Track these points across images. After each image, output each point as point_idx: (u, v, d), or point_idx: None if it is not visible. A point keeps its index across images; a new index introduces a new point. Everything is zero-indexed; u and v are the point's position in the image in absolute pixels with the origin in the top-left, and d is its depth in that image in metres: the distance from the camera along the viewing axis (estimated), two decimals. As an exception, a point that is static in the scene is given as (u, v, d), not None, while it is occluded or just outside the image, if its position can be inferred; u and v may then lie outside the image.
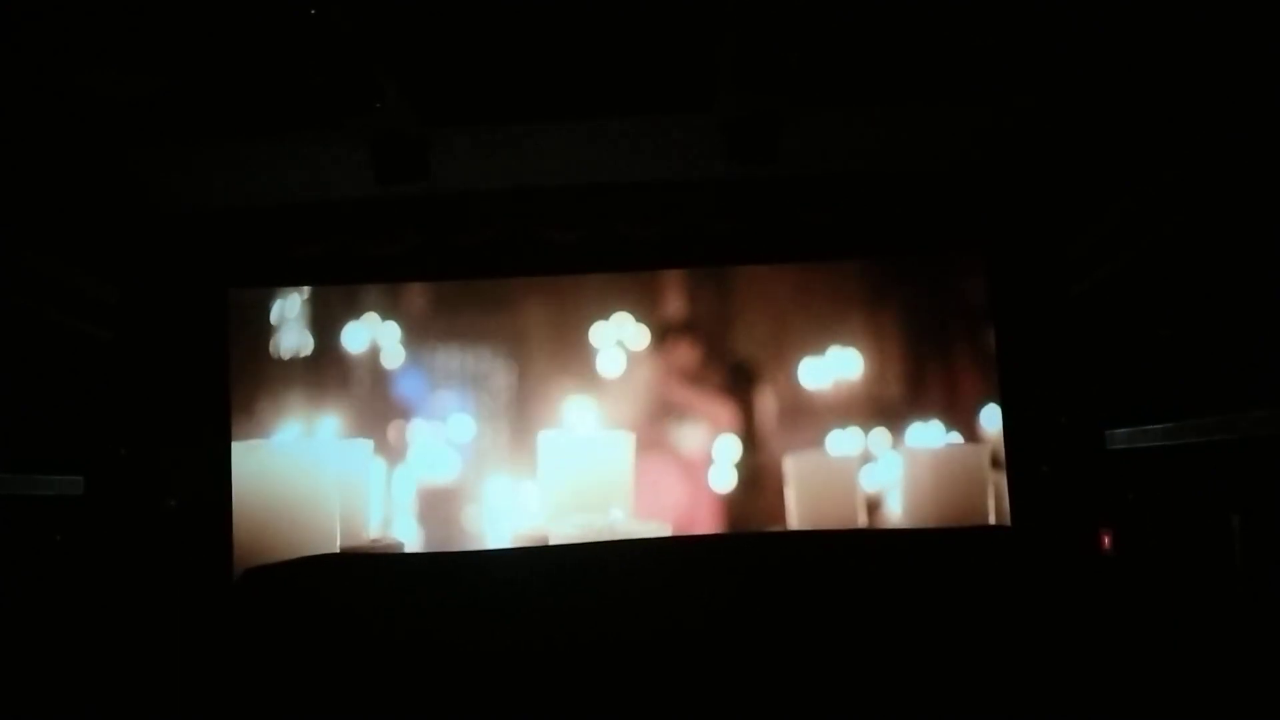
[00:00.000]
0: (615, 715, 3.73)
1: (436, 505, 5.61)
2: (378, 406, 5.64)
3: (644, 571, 4.17)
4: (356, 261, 5.39)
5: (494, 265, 5.44)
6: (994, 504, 5.26)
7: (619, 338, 5.63)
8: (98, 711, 4.17)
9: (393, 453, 5.59)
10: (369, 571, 4.49)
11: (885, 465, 5.56)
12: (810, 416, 5.62)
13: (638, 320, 5.61)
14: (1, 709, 3.84)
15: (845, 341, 5.63)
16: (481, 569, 4.39)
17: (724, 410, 5.63)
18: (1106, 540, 4.82)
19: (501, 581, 4.08)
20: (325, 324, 5.64)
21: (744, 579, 4.10)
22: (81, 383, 4.89)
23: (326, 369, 5.64)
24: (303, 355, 5.62)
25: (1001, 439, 5.30)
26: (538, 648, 3.82)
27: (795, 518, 5.26)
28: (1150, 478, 4.54)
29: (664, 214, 5.28)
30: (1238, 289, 3.84)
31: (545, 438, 5.19)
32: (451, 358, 5.70)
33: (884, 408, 5.62)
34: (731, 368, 5.69)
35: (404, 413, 5.66)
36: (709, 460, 5.62)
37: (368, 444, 5.26)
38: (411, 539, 5.49)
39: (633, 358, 5.63)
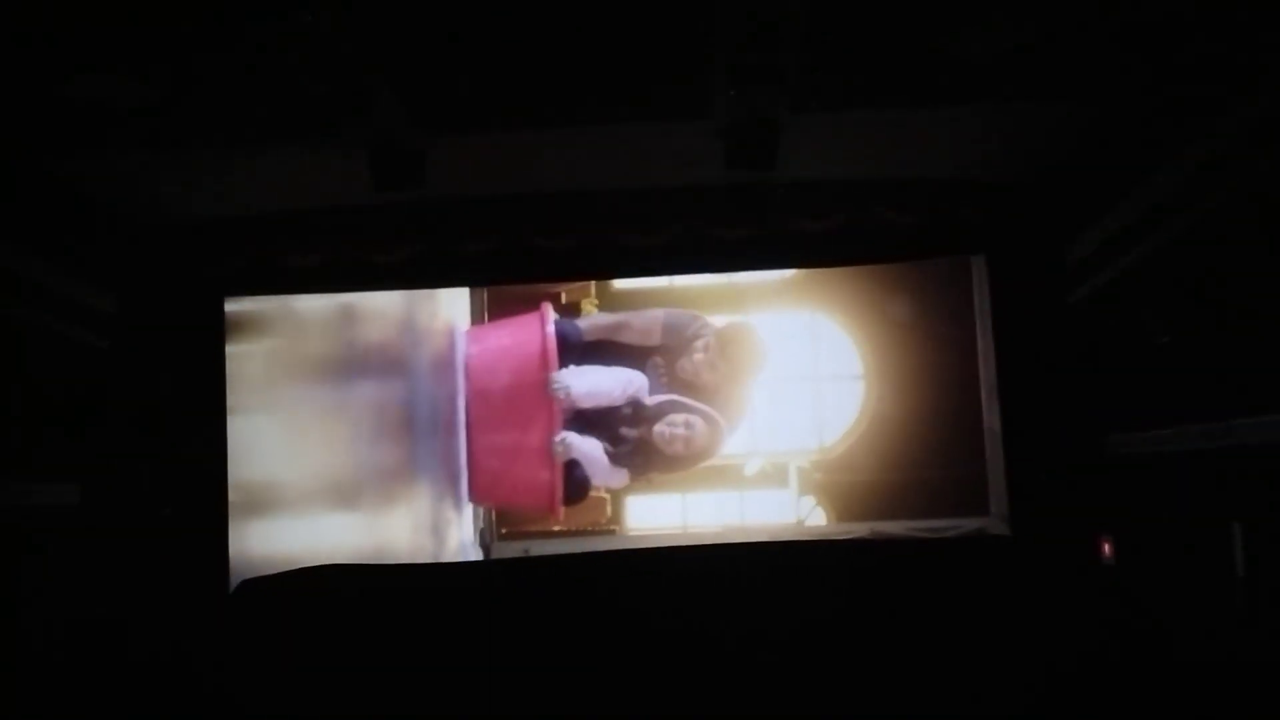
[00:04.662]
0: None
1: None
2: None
3: (648, 581, 4.16)
4: (354, 269, 5.37)
5: (492, 273, 5.42)
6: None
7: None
8: (92, 721, 4.15)
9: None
10: (368, 583, 4.48)
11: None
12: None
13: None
14: (-2, 718, 3.83)
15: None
16: (484, 580, 4.37)
17: None
18: (1107, 548, 4.81)
19: (503, 593, 4.07)
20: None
21: (736, 588, 4.09)
22: (78, 391, 4.87)
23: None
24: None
25: (1001, 446, 5.29)
26: (539, 661, 3.80)
27: None
28: (1150, 485, 4.54)
29: (663, 221, 5.27)
30: (1238, 295, 3.84)
31: None
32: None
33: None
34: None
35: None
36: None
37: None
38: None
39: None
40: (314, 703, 3.75)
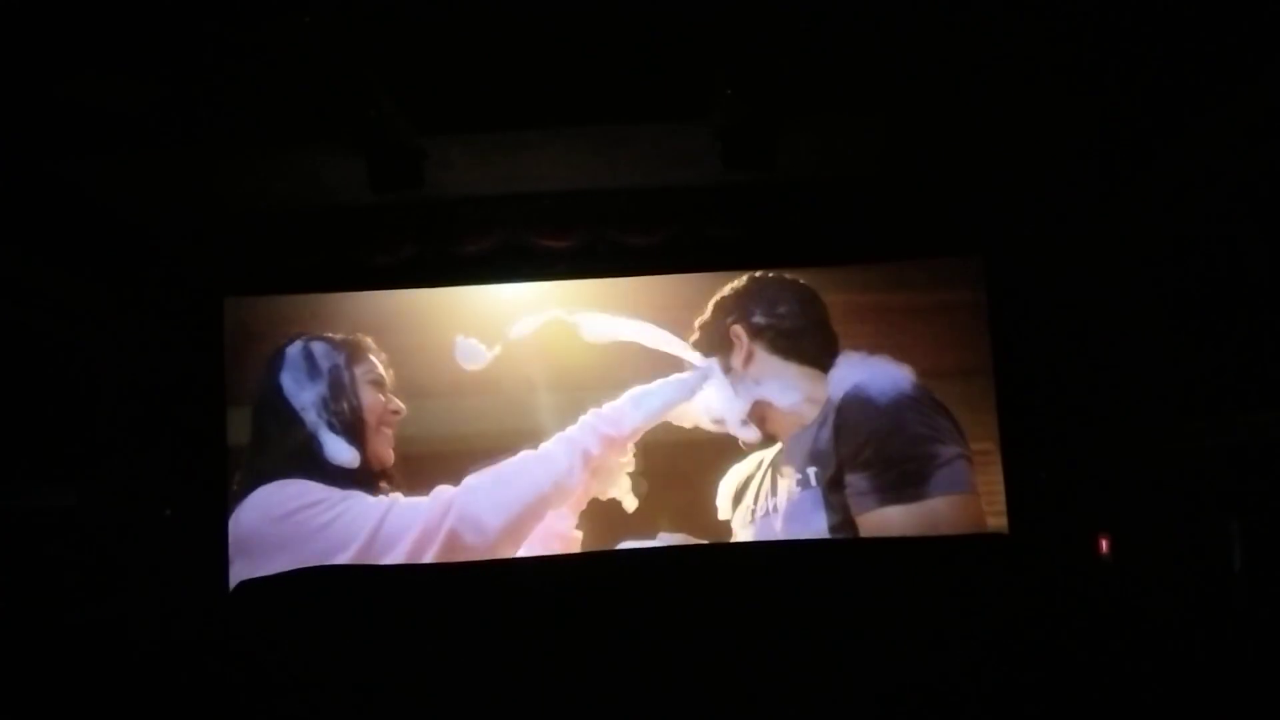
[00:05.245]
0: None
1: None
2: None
3: (641, 583, 4.17)
4: (353, 269, 5.37)
5: (491, 272, 5.43)
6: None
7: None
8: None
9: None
10: (363, 584, 4.49)
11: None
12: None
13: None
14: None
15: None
16: (475, 581, 4.38)
17: None
18: (1104, 545, 4.82)
19: (495, 593, 4.08)
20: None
21: (742, 588, 4.09)
22: (76, 392, 4.87)
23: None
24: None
25: (999, 444, 5.29)
26: (532, 660, 3.80)
27: None
28: (1148, 482, 4.55)
29: (661, 221, 5.28)
30: (1236, 292, 3.85)
31: None
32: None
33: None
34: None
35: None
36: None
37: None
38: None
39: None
40: (311, 702, 3.76)
